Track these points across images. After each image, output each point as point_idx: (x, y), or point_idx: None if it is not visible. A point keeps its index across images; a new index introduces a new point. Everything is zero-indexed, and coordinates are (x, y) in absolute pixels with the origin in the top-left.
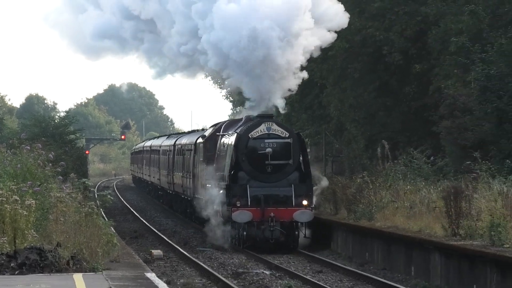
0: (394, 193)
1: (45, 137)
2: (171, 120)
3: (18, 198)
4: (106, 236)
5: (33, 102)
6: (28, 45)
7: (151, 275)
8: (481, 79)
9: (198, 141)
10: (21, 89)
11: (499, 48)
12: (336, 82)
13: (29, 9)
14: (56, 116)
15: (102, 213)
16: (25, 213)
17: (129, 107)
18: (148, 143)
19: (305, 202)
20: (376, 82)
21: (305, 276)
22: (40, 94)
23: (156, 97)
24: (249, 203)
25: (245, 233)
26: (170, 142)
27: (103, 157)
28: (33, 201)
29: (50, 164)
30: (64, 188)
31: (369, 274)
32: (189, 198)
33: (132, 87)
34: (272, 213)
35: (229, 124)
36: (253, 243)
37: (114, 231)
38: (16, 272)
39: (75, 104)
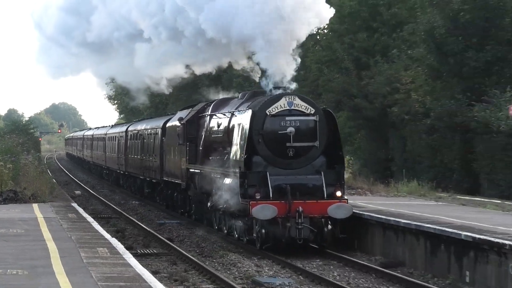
0: None
1: (18, 131)
2: (85, 122)
3: (3, 163)
4: (50, 184)
5: (12, 112)
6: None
7: (75, 204)
8: None
9: (168, 124)
10: (4, 103)
11: None
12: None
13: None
14: (24, 120)
15: (48, 171)
16: (6, 171)
17: (62, 115)
18: (88, 133)
19: (339, 193)
20: None
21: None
22: (15, 108)
23: (77, 109)
24: (271, 195)
25: (263, 231)
26: (120, 129)
27: (49, 142)
28: (11, 165)
29: (20, 145)
30: (28, 158)
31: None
32: (153, 180)
33: (65, 103)
34: (299, 207)
35: (219, 104)
36: (274, 244)
37: (55, 181)
38: (1, 203)
39: (34, 113)
